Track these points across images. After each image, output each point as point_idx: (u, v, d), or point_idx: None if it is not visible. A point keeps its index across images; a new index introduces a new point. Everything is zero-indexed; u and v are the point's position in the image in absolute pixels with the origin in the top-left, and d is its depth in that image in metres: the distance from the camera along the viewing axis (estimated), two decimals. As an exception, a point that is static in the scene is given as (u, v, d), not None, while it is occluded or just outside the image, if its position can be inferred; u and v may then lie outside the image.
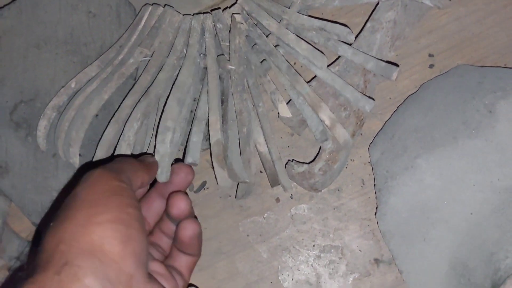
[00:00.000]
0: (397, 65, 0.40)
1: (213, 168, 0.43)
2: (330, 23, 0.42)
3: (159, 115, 0.43)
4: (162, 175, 0.40)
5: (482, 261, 0.36)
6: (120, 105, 0.43)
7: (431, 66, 0.46)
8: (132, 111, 0.42)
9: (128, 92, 0.43)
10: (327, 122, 0.41)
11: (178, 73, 0.43)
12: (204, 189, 0.47)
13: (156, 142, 0.40)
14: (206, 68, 0.45)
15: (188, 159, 0.41)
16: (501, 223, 0.37)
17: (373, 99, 0.40)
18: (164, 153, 0.40)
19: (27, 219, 0.47)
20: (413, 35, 0.46)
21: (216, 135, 0.41)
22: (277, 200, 0.46)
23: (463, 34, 0.46)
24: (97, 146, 0.42)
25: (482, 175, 0.38)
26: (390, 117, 0.45)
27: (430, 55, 0.46)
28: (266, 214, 0.46)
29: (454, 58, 0.46)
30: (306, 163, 0.43)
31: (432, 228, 0.39)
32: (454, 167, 0.39)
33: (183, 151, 0.45)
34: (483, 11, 0.46)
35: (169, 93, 0.42)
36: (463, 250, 0.38)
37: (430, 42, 0.46)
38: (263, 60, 0.46)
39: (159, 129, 0.40)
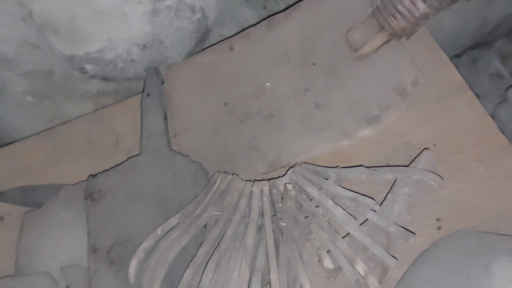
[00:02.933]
0: (413, 233, 0.52)
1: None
2: (361, 196, 0.56)
3: (227, 263, 0.55)
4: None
5: None
6: (196, 252, 0.56)
7: (439, 228, 0.58)
8: (208, 262, 0.54)
9: (202, 243, 0.56)
10: (362, 272, 0.53)
11: (246, 238, 0.56)
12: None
13: None
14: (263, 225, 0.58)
15: None
16: None
17: (395, 258, 0.52)
18: None
19: None
20: (424, 203, 0.60)
21: None
22: (316, 335, 0.56)
23: (463, 204, 0.59)
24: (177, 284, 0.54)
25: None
26: (408, 269, 0.56)
27: (438, 219, 0.59)
28: None
29: (457, 222, 0.58)
30: (341, 304, 0.54)
31: None
32: (460, 315, 0.49)
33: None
34: (478, 187, 0.60)
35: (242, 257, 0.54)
36: None
37: (437, 209, 0.59)
38: (306, 216, 0.59)
39: None
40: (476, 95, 1.05)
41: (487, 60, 1.06)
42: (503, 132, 0.62)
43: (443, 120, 0.64)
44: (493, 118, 0.89)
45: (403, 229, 0.53)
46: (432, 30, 0.72)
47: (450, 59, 1.07)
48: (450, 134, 0.63)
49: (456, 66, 1.08)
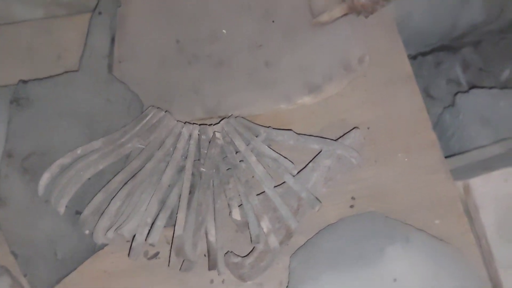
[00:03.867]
0: (320, 202, 0.54)
1: (170, 250, 0.54)
2: (282, 158, 0.57)
3: (139, 195, 0.55)
4: (133, 257, 0.52)
5: None
6: (111, 179, 0.55)
7: (351, 206, 0.60)
8: (119, 190, 0.54)
9: (120, 171, 0.56)
10: (265, 229, 0.54)
11: (163, 175, 0.56)
12: (156, 258, 0.59)
13: (137, 233, 0.52)
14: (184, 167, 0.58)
15: (149, 240, 0.53)
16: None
17: (297, 222, 0.54)
18: (141, 241, 0.52)
19: (6, 247, 0.57)
20: (343, 180, 0.61)
21: (179, 230, 0.53)
22: (211, 281, 0.57)
23: (381, 188, 0.61)
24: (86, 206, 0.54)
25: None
26: (312, 237, 0.58)
27: (352, 198, 0.61)
28: (199, 291, 0.57)
29: (370, 204, 0.60)
30: (241, 256, 0.55)
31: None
32: (346, 286, 0.52)
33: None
34: (398, 176, 0.62)
35: (153, 193, 0.55)
36: None
37: (355, 188, 0.61)
38: (229, 168, 0.59)
39: (140, 222, 0.53)
40: (430, 96, 1.07)
41: (450, 64, 1.07)
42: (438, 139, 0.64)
43: (383, 106, 0.65)
44: (438, 122, 0.92)
45: (312, 195, 0.55)
46: (401, 23, 0.73)
47: (416, 56, 1.09)
48: (386, 120, 0.64)
49: (420, 63, 1.11)
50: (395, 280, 0.51)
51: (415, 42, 0.99)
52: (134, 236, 0.54)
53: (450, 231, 0.59)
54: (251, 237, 0.54)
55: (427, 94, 1.08)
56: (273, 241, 0.54)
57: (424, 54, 1.09)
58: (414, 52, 1.06)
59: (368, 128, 0.64)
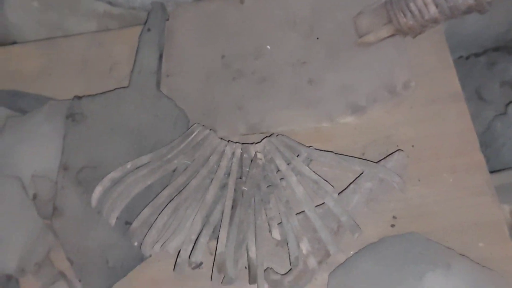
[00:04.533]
0: (360, 229, 0.54)
1: (212, 265, 0.57)
2: (323, 181, 0.57)
3: (184, 211, 0.58)
4: (178, 272, 0.56)
5: None
6: (158, 193, 0.58)
7: (392, 225, 0.60)
8: (166, 205, 0.57)
9: (167, 186, 0.59)
10: (304, 251, 0.55)
11: (207, 192, 0.58)
12: (199, 268, 0.61)
13: (181, 249, 0.55)
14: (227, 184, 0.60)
15: (192, 258, 0.56)
16: None
17: (337, 247, 0.55)
18: (185, 258, 0.55)
19: (63, 254, 0.61)
20: (385, 198, 0.61)
21: (221, 247, 0.55)
22: (251, 294, 0.60)
23: (423, 209, 0.61)
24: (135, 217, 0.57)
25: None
26: (351, 256, 0.59)
27: (394, 217, 0.61)
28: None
29: (412, 225, 0.60)
30: (281, 274, 0.57)
31: None
32: (383, 311, 0.52)
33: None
34: (442, 196, 0.61)
35: (198, 210, 0.57)
36: None
37: (396, 207, 0.61)
38: (269, 185, 0.61)
39: (185, 239, 0.55)
40: (481, 98, 1.03)
41: (505, 66, 1.03)
42: (487, 146, 0.62)
43: (429, 124, 0.64)
44: (488, 128, 0.89)
45: (353, 221, 0.55)
46: (454, 24, 0.70)
47: (468, 57, 1.04)
48: (431, 139, 0.63)
49: (472, 64, 1.06)
50: (433, 307, 0.51)
51: (468, 44, 0.96)
52: (179, 251, 0.56)
53: (494, 256, 0.58)
54: (290, 259, 0.56)
55: (479, 96, 1.04)
56: (312, 262, 0.55)
57: (477, 55, 1.05)
58: (467, 54, 1.03)
59: (413, 146, 0.63)
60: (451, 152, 0.62)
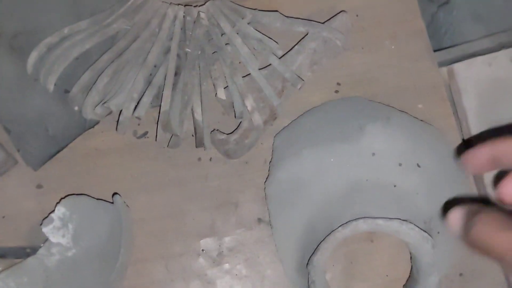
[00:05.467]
0: (303, 80, 0.55)
1: (157, 126, 0.56)
2: (267, 38, 0.57)
3: (126, 73, 0.56)
4: (120, 131, 0.54)
5: (325, 226, 0.51)
6: (98, 58, 0.56)
7: (336, 91, 0.61)
8: (107, 67, 0.55)
9: (107, 50, 0.56)
10: (249, 107, 0.55)
11: (149, 52, 0.56)
12: (145, 137, 0.60)
13: (123, 108, 0.53)
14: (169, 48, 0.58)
15: (135, 113, 0.54)
16: (344, 204, 0.51)
17: (280, 100, 0.55)
18: (127, 115, 0.54)
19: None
20: (329, 66, 0.62)
21: (165, 106, 0.54)
22: (199, 159, 0.60)
23: (366, 75, 0.62)
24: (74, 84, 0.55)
25: (342, 169, 0.53)
26: (296, 118, 0.59)
27: (338, 84, 0.62)
28: (188, 168, 0.59)
29: (355, 90, 0.61)
30: (226, 133, 0.57)
31: (300, 199, 0.53)
32: (325, 160, 0.54)
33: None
34: (384, 62, 0.62)
35: (139, 70, 0.56)
36: (315, 217, 0.52)
37: (340, 74, 0.62)
38: (214, 52, 0.60)
39: (127, 97, 0.54)
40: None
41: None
42: (430, 38, 0.63)
43: (373, -7, 0.64)
44: (432, 20, 0.91)
45: (296, 75, 0.55)
46: None
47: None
48: (375, 8, 0.64)
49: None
50: (373, 154, 0.53)
51: None
52: (121, 111, 0.55)
53: (433, 115, 0.60)
54: (235, 113, 0.56)
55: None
56: (257, 118, 0.55)
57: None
58: None
59: (357, 16, 0.63)
60: (393, 20, 0.63)
